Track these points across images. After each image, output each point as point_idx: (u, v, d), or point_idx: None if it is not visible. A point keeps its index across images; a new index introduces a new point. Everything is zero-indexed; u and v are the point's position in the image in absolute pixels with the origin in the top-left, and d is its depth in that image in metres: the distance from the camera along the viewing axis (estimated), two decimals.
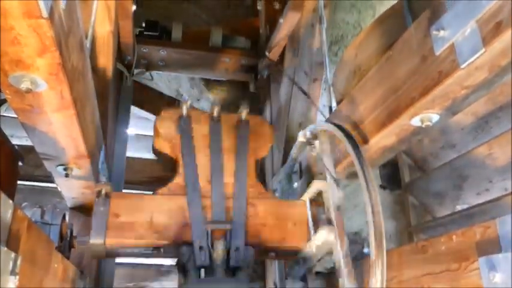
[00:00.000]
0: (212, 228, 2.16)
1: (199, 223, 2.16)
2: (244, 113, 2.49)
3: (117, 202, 2.11)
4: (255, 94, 4.01)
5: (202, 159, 2.37)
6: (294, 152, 2.56)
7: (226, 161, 2.40)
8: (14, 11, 0.95)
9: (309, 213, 2.31)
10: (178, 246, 2.14)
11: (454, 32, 1.33)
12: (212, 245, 2.13)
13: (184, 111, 2.41)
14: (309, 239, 2.25)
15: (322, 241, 2.10)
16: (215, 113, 2.47)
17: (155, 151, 2.50)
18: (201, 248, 2.11)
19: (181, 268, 2.17)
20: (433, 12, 1.45)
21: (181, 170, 2.32)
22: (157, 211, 2.16)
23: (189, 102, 2.42)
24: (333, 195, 2.12)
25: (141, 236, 2.10)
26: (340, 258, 1.96)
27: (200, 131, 2.45)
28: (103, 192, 2.03)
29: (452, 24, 1.34)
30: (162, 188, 2.28)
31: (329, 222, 2.14)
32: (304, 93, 3.03)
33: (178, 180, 2.30)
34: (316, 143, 2.22)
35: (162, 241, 2.12)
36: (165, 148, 2.41)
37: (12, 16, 0.96)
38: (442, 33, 1.37)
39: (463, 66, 1.30)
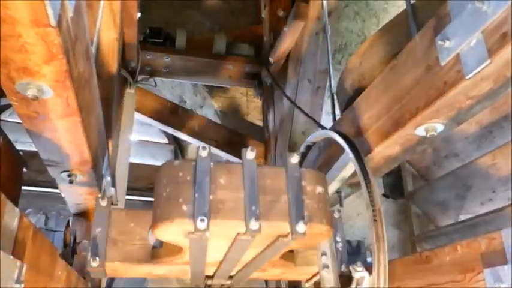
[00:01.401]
0: (212, 283, 2.04)
1: (200, 279, 2.03)
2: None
3: (115, 227, 1.83)
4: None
5: (215, 252, 1.68)
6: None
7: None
8: (22, 19, 0.95)
9: None
10: None
11: (459, 43, 1.33)
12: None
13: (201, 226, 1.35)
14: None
15: None
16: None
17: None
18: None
19: None
20: (438, 22, 1.45)
21: (186, 258, 1.74)
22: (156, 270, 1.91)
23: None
24: None
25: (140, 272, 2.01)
26: None
27: (220, 244, 1.59)
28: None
29: (457, 34, 1.34)
30: (163, 257, 1.82)
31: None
32: (304, 112, 3.02)
33: (182, 260, 1.77)
34: None
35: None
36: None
37: (21, 24, 0.96)
38: (447, 43, 1.37)
39: (468, 76, 1.30)
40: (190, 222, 1.28)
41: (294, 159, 1.50)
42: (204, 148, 1.40)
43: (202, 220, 1.27)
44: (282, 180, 1.44)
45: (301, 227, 1.35)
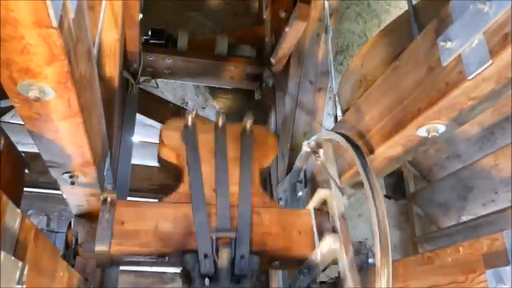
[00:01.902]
0: (217, 236, 2.15)
1: (204, 231, 2.15)
2: (248, 122, 2.51)
3: (122, 210, 2.11)
4: (260, 102, 4.02)
5: (207, 169, 2.38)
6: (298, 161, 2.56)
7: (231, 170, 2.41)
8: (24, 20, 0.95)
9: (314, 222, 2.30)
10: (182, 254, 2.13)
11: (461, 43, 1.33)
12: (217, 253, 2.13)
13: (189, 120, 2.44)
14: (314, 248, 2.24)
15: (327, 249, 2.10)
16: (220, 122, 2.50)
17: (160, 160, 2.51)
18: (205, 256, 2.10)
19: (186, 276, 2.16)
20: (440, 23, 1.45)
21: (186, 179, 2.34)
22: (162, 219, 2.15)
23: (194, 112, 2.44)
24: (337, 204, 2.13)
25: (146, 244, 2.09)
26: (345, 266, 1.96)
27: (205, 140, 2.47)
28: (109, 200, 2.03)
29: (459, 35, 1.34)
30: (167, 196, 2.29)
31: (334, 230, 2.14)
32: (305, 111, 3.04)
33: (183, 189, 2.31)
34: (321, 151, 2.23)
35: (167, 249, 2.11)
36: (170, 157, 2.45)
37: (23, 25, 0.97)
38: (449, 44, 1.37)
39: (470, 77, 1.30)
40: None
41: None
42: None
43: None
44: None
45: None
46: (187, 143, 2.42)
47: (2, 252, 0.82)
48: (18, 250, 0.95)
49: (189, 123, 2.45)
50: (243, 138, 2.52)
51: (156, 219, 2.14)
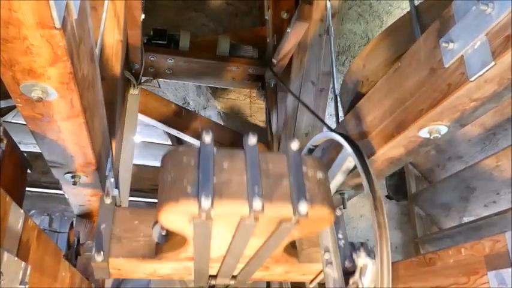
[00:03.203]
0: (216, 282, 2.02)
1: (204, 279, 2.01)
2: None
3: (120, 224, 1.86)
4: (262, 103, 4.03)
5: (220, 242, 1.66)
6: None
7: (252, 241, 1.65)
8: (27, 21, 0.96)
9: None
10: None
11: (463, 45, 1.32)
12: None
13: (205, 213, 1.32)
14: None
15: None
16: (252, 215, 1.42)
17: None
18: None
19: None
20: (442, 24, 1.45)
21: (190, 251, 1.75)
22: (160, 269, 1.92)
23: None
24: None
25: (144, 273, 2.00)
26: None
27: (224, 231, 1.56)
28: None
29: (461, 36, 1.34)
30: (165, 250, 1.84)
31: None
32: (310, 110, 3.03)
33: (186, 254, 1.80)
34: None
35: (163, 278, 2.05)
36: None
37: (26, 26, 0.97)
38: (451, 45, 1.37)
39: (472, 79, 1.30)
40: (194, 202, 1.27)
41: (295, 145, 1.50)
42: (207, 133, 1.41)
43: (206, 198, 1.26)
44: (283, 165, 1.45)
45: (303, 207, 1.33)
46: (197, 236, 1.54)
47: (5, 253, 0.82)
48: (21, 250, 0.95)
49: (203, 215, 1.37)
50: (280, 226, 1.54)
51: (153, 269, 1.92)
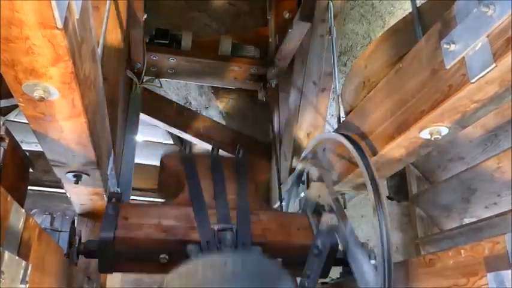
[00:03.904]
0: (218, 228, 2.15)
1: (206, 224, 2.17)
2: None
3: (126, 208, 2.13)
4: (264, 103, 4.03)
5: (206, 183, 2.49)
6: (298, 167, 2.60)
7: (228, 185, 2.53)
8: (29, 21, 0.96)
9: (312, 220, 2.31)
10: (185, 245, 2.14)
11: (464, 46, 1.33)
12: (219, 242, 2.13)
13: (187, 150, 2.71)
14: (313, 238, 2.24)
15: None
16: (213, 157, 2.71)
17: (160, 184, 2.68)
18: (208, 243, 2.10)
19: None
20: (443, 26, 1.45)
21: (186, 188, 2.42)
22: (165, 217, 2.17)
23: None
24: (330, 191, 2.20)
25: (150, 234, 2.09)
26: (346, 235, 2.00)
27: (203, 166, 2.62)
28: (113, 200, 2.05)
29: (463, 38, 1.34)
30: (169, 201, 2.42)
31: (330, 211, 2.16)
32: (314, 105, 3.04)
33: (184, 196, 2.39)
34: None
35: (170, 238, 2.11)
36: (171, 179, 2.57)
37: (28, 26, 0.97)
38: (452, 47, 1.37)
39: (473, 80, 1.30)
40: None
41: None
42: None
43: None
44: None
45: None
46: (186, 164, 2.57)
47: (6, 252, 0.82)
48: (22, 249, 0.96)
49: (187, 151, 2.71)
50: (237, 162, 2.72)
51: (159, 216, 2.16)
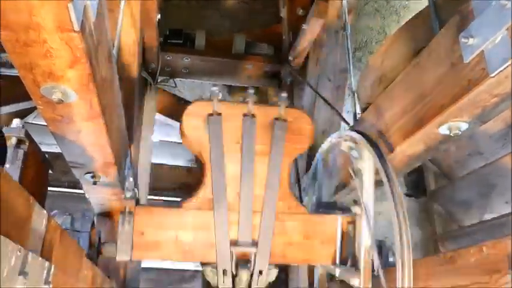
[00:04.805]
0: (237, 251, 2.12)
1: (225, 245, 2.11)
2: (282, 107, 2.16)
3: (141, 218, 2.08)
4: None
5: (233, 166, 2.17)
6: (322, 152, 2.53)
7: (258, 168, 2.19)
8: (47, 25, 0.97)
9: (339, 234, 2.23)
10: (202, 265, 2.16)
11: (483, 40, 1.30)
12: (236, 267, 2.12)
13: (216, 106, 2.12)
14: (334, 260, 2.19)
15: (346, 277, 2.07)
16: (249, 108, 2.17)
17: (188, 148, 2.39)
18: (224, 271, 2.10)
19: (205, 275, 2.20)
20: (461, 19, 1.42)
21: (208, 180, 2.17)
22: (183, 228, 2.11)
23: (220, 96, 2.09)
24: (365, 237, 2.06)
25: (167, 255, 2.10)
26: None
27: (232, 130, 2.19)
28: (127, 210, 2.02)
29: (481, 31, 1.32)
30: (188, 200, 2.18)
31: (354, 260, 2.07)
32: (328, 103, 3.01)
33: (205, 192, 2.17)
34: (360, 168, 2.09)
35: (187, 260, 2.12)
36: (193, 148, 2.27)
37: (46, 30, 0.98)
38: (471, 41, 1.34)
39: (493, 74, 1.27)
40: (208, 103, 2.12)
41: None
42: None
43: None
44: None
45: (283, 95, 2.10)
46: (211, 135, 2.15)
47: (30, 253, 0.84)
48: (44, 250, 0.97)
49: (215, 109, 2.14)
50: (274, 128, 2.18)
51: (176, 229, 2.10)
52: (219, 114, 2.16)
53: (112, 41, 1.64)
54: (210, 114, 2.16)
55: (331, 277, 2.52)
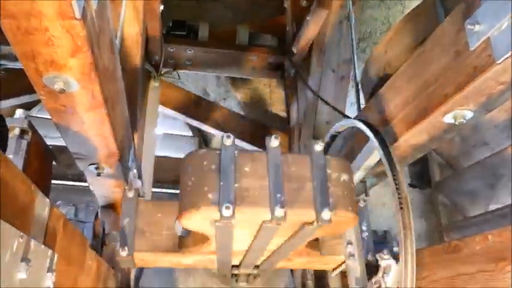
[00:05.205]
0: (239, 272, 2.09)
1: (227, 266, 2.07)
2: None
3: (144, 215, 1.92)
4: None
5: (241, 241, 1.68)
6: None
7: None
8: (48, 12, 0.96)
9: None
10: None
11: (489, 27, 1.29)
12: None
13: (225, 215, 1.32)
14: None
15: None
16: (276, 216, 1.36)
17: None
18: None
19: None
20: (467, 6, 1.41)
21: (213, 246, 1.74)
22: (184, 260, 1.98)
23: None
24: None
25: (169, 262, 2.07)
26: None
27: (245, 233, 1.59)
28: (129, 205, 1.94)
29: (488, 18, 1.30)
30: (190, 247, 1.88)
31: None
32: (326, 103, 2.99)
33: (209, 249, 1.81)
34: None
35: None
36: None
37: (47, 18, 0.98)
38: (477, 27, 1.33)
39: (499, 61, 1.26)
40: (215, 209, 1.30)
41: (319, 146, 1.49)
42: (228, 137, 1.40)
43: (227, 208, 1.27)
44: (306, 168, 1.45)
45: (326, 214, 1.34)
46: (219, 239, 1.59)
47: (33, 240, 0.84)
48: (48, 239, 0.97)
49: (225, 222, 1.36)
50: (301, 232, 1.53)
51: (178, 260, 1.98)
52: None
53: (115, 32, 1.63)
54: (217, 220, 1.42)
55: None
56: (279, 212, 1.30)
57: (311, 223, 1.40)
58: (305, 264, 2.21)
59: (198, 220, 1.38)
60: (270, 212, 1.32)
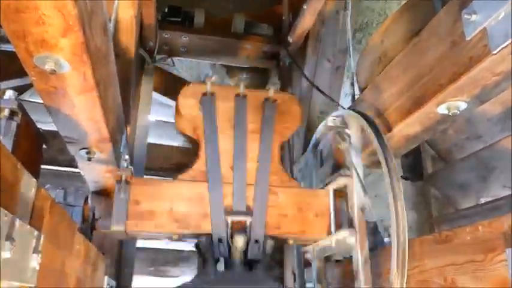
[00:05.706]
0: (232, 220, 2.15)
1: (220, 214, 2.15)
2: (271, 90, 2.41)
3: (137, 188, 2.13)
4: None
5: (225, 143, 2.31)
6: (317, 135, 2.52)
7: (250, 145, 2.34)
8: None
9: (332, 205, 2.27)
10: (197, 236, 2.15)
11: (486, 17, 1.28)
12: (232, 237, 2.12)
13: (209, 87, 2.35)
14: (329, 231, 2.22)
15: (342, 242, 2.07)
16: (241, 90, 2.41)
17: (180, 131, 2.49)
18: (220, 240, 2.10)
19: (200, 252, 2.19)
20: None
21: (202, 154, 2.29)
22: (178, 199, 2.16)
23: (213, 78, 2.36)
24: (357, 196, 2.09)
25: (161, 225, 2.11)
26: (359, 263, 1.94)
27: (225, 109, 2.38)
28: (123, 178, 2.05)
29: (484, 8, 1.29)
30: (183, 172, 2.27)
31: (350, 223, 2.10)
32: (322, 92, 2.98)
33: (200, 165, 2.28)
34: (348, 134, 2.15)
35: (182, 230, 2.12)
36: (187, 129, 2.39)
37: None
38: (473, 17, 1.32)
39: (495, 51, 1.26)
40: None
41: None
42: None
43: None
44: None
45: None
46: (205, 113, 2.33)
47: (18, 220, 0.82)
48: (34, 219, 0.95)
49: (208, 90, 2.36)
50: (265, 108, 2.40)
51: (171, 200, 2.15)
52: (213, 94, 2.36)
53: (109, 16, 1.61)
54: (204, 94, 2.36)
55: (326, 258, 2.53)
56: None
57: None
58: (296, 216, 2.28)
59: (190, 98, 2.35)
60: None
